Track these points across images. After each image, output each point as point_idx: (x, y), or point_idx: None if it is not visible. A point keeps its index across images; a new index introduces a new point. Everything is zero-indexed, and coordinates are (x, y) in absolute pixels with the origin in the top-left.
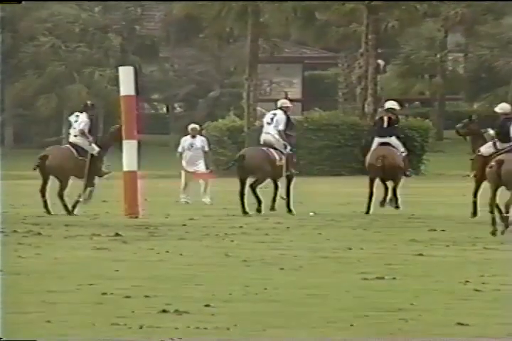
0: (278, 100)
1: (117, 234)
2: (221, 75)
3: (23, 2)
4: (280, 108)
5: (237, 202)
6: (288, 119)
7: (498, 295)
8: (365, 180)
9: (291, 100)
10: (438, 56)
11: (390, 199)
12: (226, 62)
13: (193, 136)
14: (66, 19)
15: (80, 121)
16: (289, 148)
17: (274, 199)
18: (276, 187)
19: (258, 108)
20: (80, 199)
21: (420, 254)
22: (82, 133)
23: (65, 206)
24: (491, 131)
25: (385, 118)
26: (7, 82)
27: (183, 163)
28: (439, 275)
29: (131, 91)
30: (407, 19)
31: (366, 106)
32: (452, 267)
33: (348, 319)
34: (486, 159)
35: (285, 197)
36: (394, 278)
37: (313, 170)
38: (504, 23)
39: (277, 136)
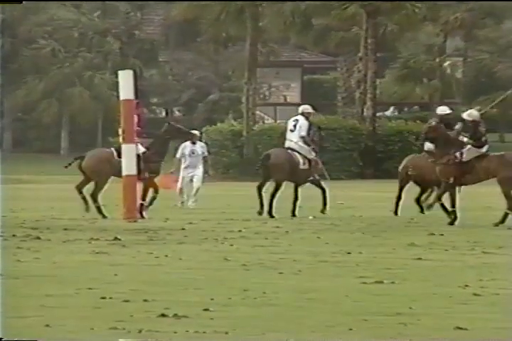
0: (278, 104)
1: (116, 238)
2: (220, 79)
3: (24, 3)
4: (302, 114)
5: (236, 206)
6: (310, 125)
7: (497, 299)
8: (362, 184)
9: (290, 104)
10: (437, 60)
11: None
12: (225, 66)
13: (193, 143)
14: (66, 23)
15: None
16: (314, 153)
17: (294, 205)
18: (296, 193)
19: (257, 112)
20: (144, 203)
21: (419, 258)
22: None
23: (98, 208)
24: (465, 139)
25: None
26: (7, 87)
27: (182, 168)
28: (438, 279)
29: (131, 95)
30: (406, 23)
31: (365, 110)
32: (451, 271)
33: (347, 323)
34: (464, 164)
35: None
36: (393, 282)
37: None
38: (504, 28)
39: (301, 143)
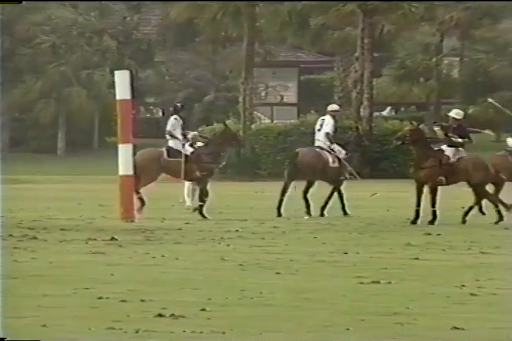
0: (275, 104)
1: (113, 238)
2: (217, 79)
3: (24, 3)
4: (328, 113)
5: (233, 206)
6: (335, 123)
7: (494, 299)
8: (359, 184)
9: (287, 104)
10: (434, 60)
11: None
12: (222, 66)
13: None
14: (63, 23)
15: (169, 123)
16: (344, 152)
17: (342, 204)
18: (335, 192)
19: (254, 112)
20: (200, 203)
21: (416, 258)
22: (170, 134)
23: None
24: (460, 139)
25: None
26: (5, 87)
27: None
28: (435, 279)
29: (127, 95)
30: (402, 23)
31: (362, 110)
32: (448, 271)
33: (344, 323)
34: (450, 165)
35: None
36: (390, 282)
37: None
38: (500, 27)
39: (325, 140)
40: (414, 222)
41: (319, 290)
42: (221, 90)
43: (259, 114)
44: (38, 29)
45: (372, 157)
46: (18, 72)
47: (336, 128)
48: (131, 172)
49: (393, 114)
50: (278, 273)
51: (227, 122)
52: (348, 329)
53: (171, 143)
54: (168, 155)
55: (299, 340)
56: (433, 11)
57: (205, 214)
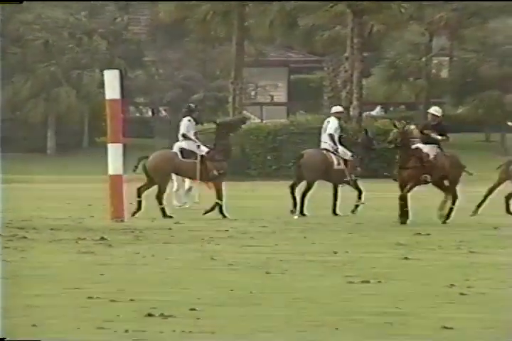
0: (265, 104)
1: (103, 238)
2: (207, 79)
3: (24, 2)
4: (333, 114)
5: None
6: (340, 125)
7: (483, 298)
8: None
9: (277, 104)
10: (423, 60)
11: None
12: (211, 66)
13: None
14: (53, 23)
15: (181, 124)
16: (349, 154)
17: (334, 205)
18: (335, 193)
19: (244, 111)
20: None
21: (406, 258)
22: (183, 136)
23: (163, 209)
24: (439, 137)
25: None
26: None
27: None
28: (425, 279)
29: (117, 95)
30: (392, 23)
31: (351, 109)
32: (437, 271)
33: (333, 322)
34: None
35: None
36: (379, 282)
37: None
38: (489, 27)
39: (329, 142)
40: (403, 221)
41: (309, 289)
42: (211, 90)
43: (248, 114)
44: (28, 28)
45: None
46: (9, 72)
47: (341, 130)
48: (120, 172)
49: (383, 113)
50: (268, 272)
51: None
52: (337, 328)
53: (184, 144)
54: (183, 156)
55: (289, 340)
56: (422, 11)
57: (225, 213)
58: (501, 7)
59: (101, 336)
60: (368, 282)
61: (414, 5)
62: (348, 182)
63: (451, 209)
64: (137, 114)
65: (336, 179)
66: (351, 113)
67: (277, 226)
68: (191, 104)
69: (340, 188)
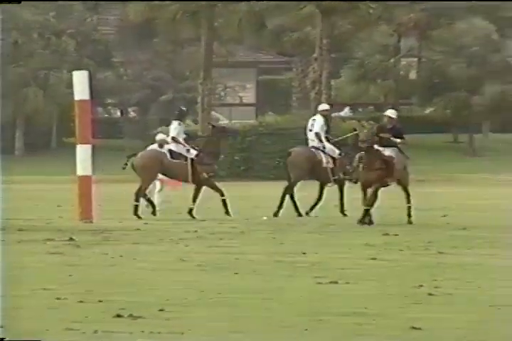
0: (234, 105)
1: (71, 239)
2: (175, 80)
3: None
4: (319, 112)
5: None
6: (326, 123)
7: (451, 299)
8: (317, 184)
9: (245, 105)
10: (391, 61)
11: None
12: (181, 66)
13: (161, 146)
14: (22, 23)
15: (171, 128)
16: (337, 152)
17: (314, 205)
18: (321, 192)
19: (213, 112)
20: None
21: (374, 258)
22: (173, 139)
23: (136, 207)
24: (398, 140)
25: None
26: None
27: None
28: (393, 279)
29: (86, 96)
30: (361, 24)
31: None
32: (406, 271)
33: (302, 323)
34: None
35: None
36: (348, 283)
37: (267, 174)
38: (457, 28)
39: (316, 140)
40: (370, 222)
41: (277, 290)
42: (180, 91)
43: (217, 115)
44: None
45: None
46: None
47: (327, 128)
48: (89, 172)
49: (351, 114)
50: (236, 273)
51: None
52: (306, 329)
53: (173, 146)
54: (172, 157)
55: (258, 340)
56: (391, 12)
57: (194, 214)
58: (469, 8)
59: (69, 337)
60: (336, 283)
61: (382, 6)
62: (337, 181)
63: (409, 208)
64: (106, 115)
65: (323, 177)
66: None
67: (246, 226)
68: (183, 108)
69: (326, 188)
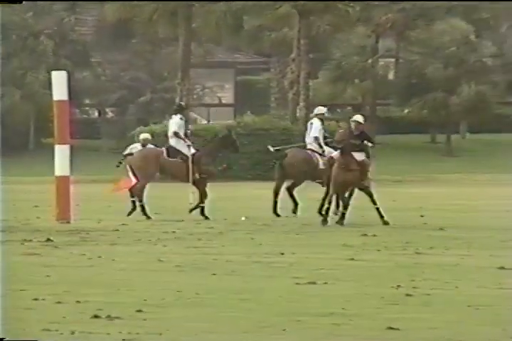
0: (212, 105)
1: (49, 239)
2: (154, 80)
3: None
4: (316, 115)
5: (169, 207)
6: (323, 126)
7: (428, 299)
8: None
9: (224, 105)
10: (369, 61)
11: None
12: (159, 66)
13: (144, 145)
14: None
15: (171, 122)
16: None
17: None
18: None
19: (191, 113)
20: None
21: (352, 259)
22: (175, 134)
23: (142, 207)
24: (370, 144)
25: None
26: None
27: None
28: (371, 279)
29: (64, 96)
30: (338, 24)
31: (298, 111)
32: (383, 272)
33: (280, 323)
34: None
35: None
36: (326, 283)
37: (245, 174)
38: (435, 29)
39: (314, 144)
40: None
41: (255, 290)
42: (158, 91)
43: (195, 115)
44: None
45: None
46: None
47: (324, 131)
48: (67, 173)
49: (329, 115)
50: (214, 274)
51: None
52: (284, 329)
53: (173, 142)
54: (168, 155)
55: None
56: (369, 12)
57: (207, 215)
58: (447, 8)
59: (47, 338)
60: (314, 283)
61: (360, 6)
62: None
63: (378, 209)
64: (84, 115)
65: (319, 179)
66: (298, 114)
67: (224, 227)
68: (182, 103)
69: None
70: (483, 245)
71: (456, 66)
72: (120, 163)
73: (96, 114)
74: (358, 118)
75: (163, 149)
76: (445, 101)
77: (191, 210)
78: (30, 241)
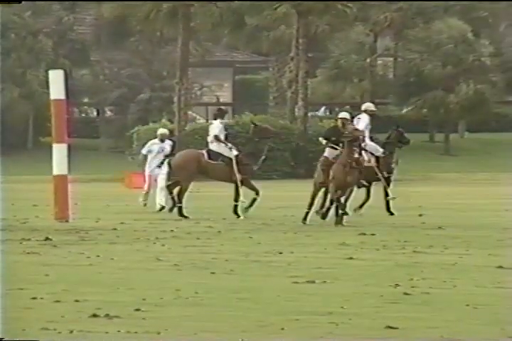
0: (210, 104)
1: (47, 239)
2: (152, 79)
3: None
4: (365, 111)
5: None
6: (370, 122)
7: (427, 298)
8: (294, 184)
9: (222, 104)
10: (367, 60)
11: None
12: (157, 66)
13: (162, 140)
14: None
15: (212, 127)
16: (381, 150)
17: (363, 204)
18: (368, 191)
19: (189, 112)
20: (237, 204)
21: (350, 258)
22: (216, 138)
23: (180, 208)
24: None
25: None
26: None
27: (148, 166)
28: (369, 278)
29: (62, 95)
30: (337, 23)
31: (296, 110)
32: (382, 271)
33: (279, 323)
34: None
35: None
36: (324, 282)
37: None
38: (433, 28)
39: (367, 141)
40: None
41: (254, 290)
42: (156, 90)
43: (194, 114)
44: None
45: (307, 157)
46: None
47: (368, 126)
48: (65, 172)
49: (328, 113)
50: (213, 273)
51: (253, 121)
52: (282, 328)
53: (214, 146)
54: (209, 158)
55: (234, 340)
56: (367, 12)
57: (239, 213)
58: (445, 8)
59: (45, 337)
60: (313, 282)
61: (359, 5)
62: (378, 180)
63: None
64: (82, 114)
65: (366, 176)
66: (296, 113)
67: (222, 226)
68: (222, 107)
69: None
70: (482, 244)
71: (454, 65)
72: (161, 162)
73: (95, 113)
74: (344, 115)
75: (204, 152)
76: (444, 100)
77: (247, 208)
78: (29, 240)
